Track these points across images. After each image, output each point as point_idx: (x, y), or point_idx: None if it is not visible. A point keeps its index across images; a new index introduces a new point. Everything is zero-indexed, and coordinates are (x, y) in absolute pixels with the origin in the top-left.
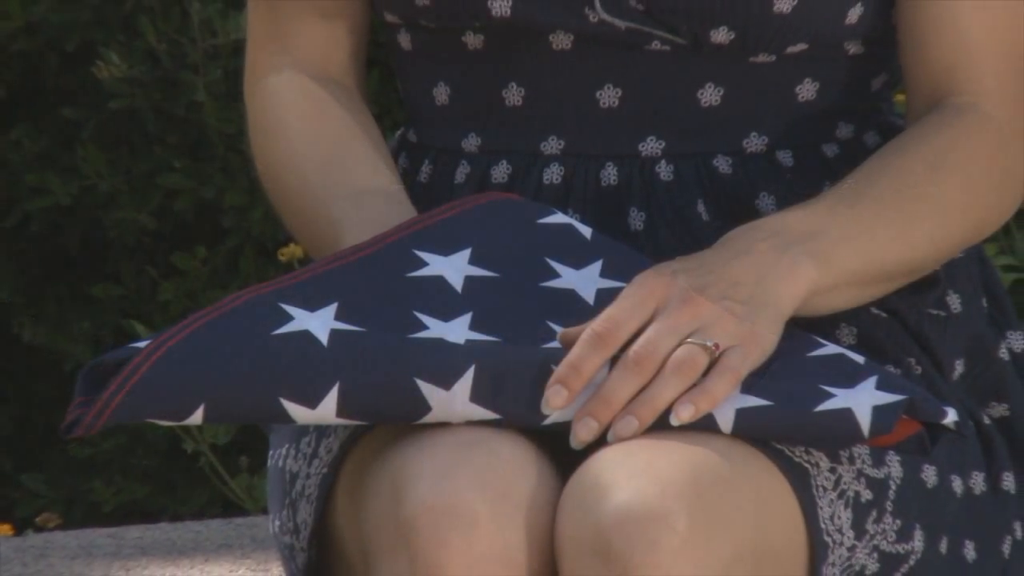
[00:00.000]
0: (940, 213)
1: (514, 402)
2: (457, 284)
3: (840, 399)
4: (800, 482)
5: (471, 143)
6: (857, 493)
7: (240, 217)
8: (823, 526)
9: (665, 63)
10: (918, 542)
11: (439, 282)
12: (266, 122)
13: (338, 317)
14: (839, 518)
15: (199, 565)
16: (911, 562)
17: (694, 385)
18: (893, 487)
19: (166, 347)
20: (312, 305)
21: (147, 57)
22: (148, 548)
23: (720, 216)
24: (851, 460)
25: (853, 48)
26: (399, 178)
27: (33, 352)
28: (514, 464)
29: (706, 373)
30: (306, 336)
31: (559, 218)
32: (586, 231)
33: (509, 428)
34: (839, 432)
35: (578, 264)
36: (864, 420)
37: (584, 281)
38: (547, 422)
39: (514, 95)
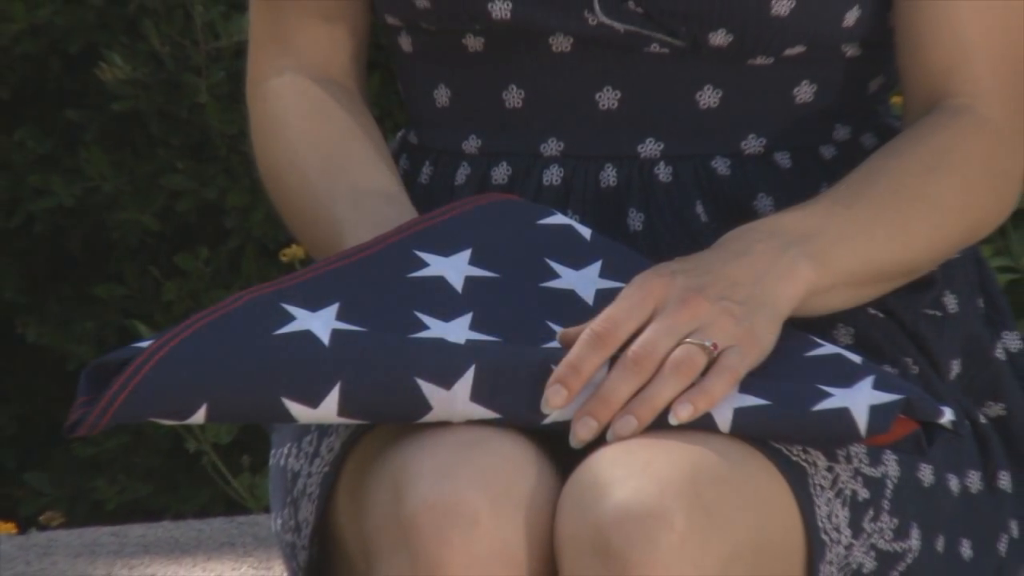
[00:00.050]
0: (937, 214)
1: (514, 401)
2: (457, 284)
3: (837, 399)
4: (798, 481)
5: (471, 145)
6: (854, 492)
7: (242, 218)
8: (820, 525)
9: (664, 65)
10: (915, 540)
11: (440, 282)
12: (268, 124)
13: (339, 317)
14: (836, 517)
15: (201, 563)
16: (908, 560)
17: (693, 385)
18: (890, 486)
19: (169, 347)
20: (313, 305)
21: (150, 59)
22: (151, 546)
23: (718, 217)
24: (848, 459)
25: (850, 50)
26: (400, 179)
27: (36, 352)
28: (514, 463)
29: (704, 373)
30: (308, 336)
31: (559, 219)
32: (585, 232)
33: (509, 427)
34: (836, 431)
35: (577, 265)
36: (861, 419)
37: (583, 281)
38: (547, 421)
39: (514, 97)
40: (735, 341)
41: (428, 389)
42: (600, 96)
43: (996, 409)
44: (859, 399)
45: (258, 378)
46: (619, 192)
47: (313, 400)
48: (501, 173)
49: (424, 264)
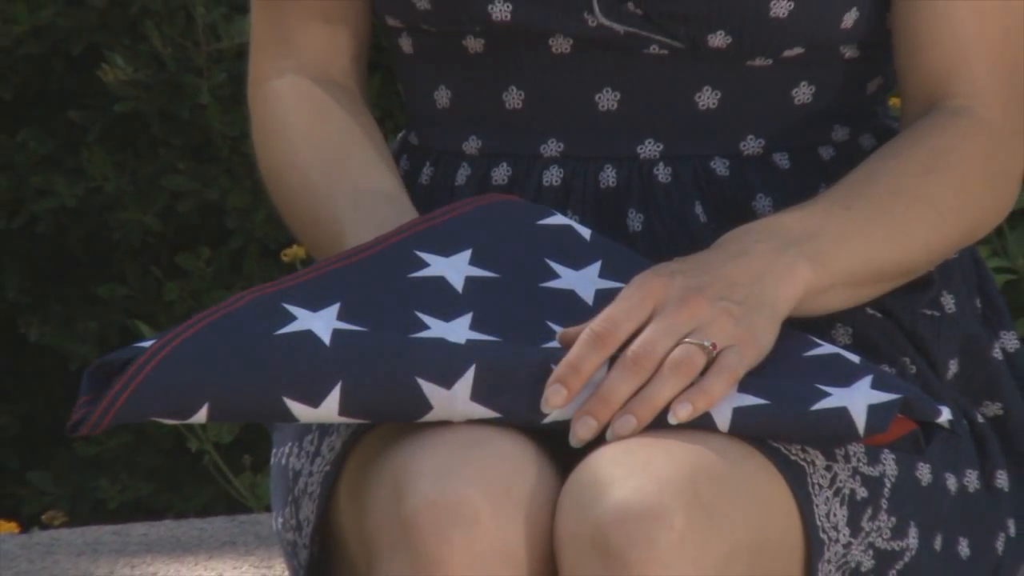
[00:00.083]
0: (935, 215)
1: (514, 401)
2: (458, 284)
3: (836, 398)
4: (796, 480)
5: (472, 146)
6: (853, 491)
7: (244, 218)
8: (819, 523)
9: (663, 67)
10: (913, 539)
11: (440, 282)
12: (269, 125)
13: (340, 317)
14: (835, 515)
15: (203, 562)
16: (906, 559)
17: (692, 384)
18: (888, 485)
19: (171, 347)
20: (315, 305)
21: (152, 61)
22: (153, 545)
23: (717, 217)
24: (847, 458)
25: (849, 52)
26: (400, 180)
27: (39, 351)
28: (514, 462)
29: (704, 372)
30: (309, 336)
31: (558, 219)
32: (585, 232)
33: (509, 427)
34: (835, 431)
35: (577, 265)
36: (859, 419)
37: (583, 281)
38: (547, 421)
39: (514, 98)
40: (734, 341)
41: (429, 389)
42: (600, 97)
43: (993, 408)
44: (857, 398)
45: (259, 378)
46: (618, 193)
47: (314, 400)
48: (501, 174)
49: (425, 264)
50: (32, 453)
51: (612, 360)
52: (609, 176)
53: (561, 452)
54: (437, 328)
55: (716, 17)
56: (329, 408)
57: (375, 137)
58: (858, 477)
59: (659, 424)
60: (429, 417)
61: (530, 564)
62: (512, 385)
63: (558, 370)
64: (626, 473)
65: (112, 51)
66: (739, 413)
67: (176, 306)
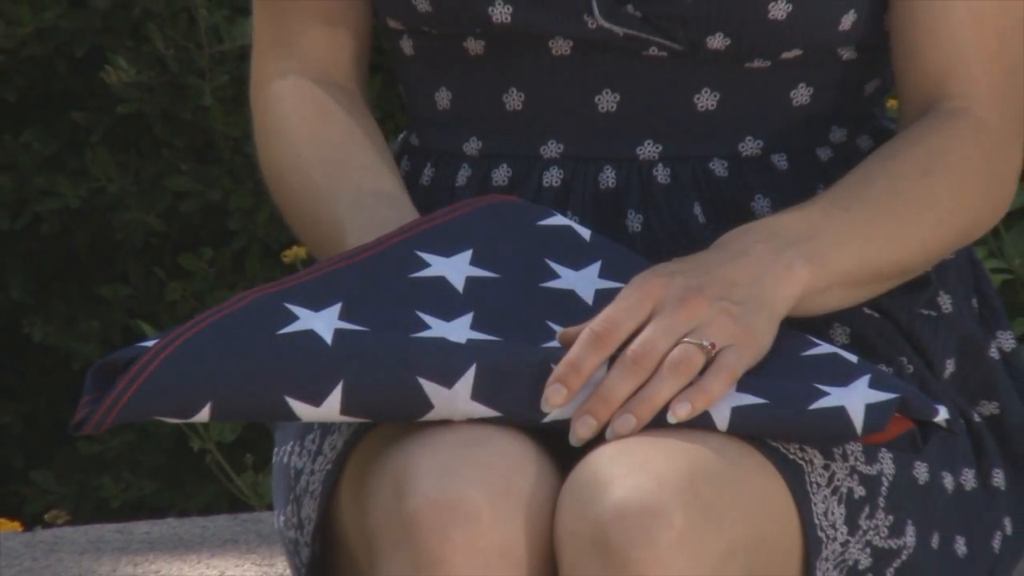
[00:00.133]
0: (932, 216)
1: (514, 400)
2: (458, 285)
3: (834, 397)
4: (794, 479)
5: (472, 147)
6: (850, 489)
7: (246, 219)
8: (817, 522)
9: (662, 68)
10: (910, 537)
11: (441, 283)
12: (271, 126)
13: (342, 317)
14: (832, 514)
15: (205, 560)
16: (903, 557)
17: (691, 384)
18: (885, 483)
19: (173, 346)
20: (316, 305)
21: (155, 62)
22: (155, 543)
23: (716, 218)
24: (844, 457)
25: (847, 54)
26: (401, 181)
27: (43, 351)
28: (515, 461)
29: (703, 372)
30: (311, 335)
31: (558, 220)
32: (585, 233)
33: (510, 426)
34: (833, 430)
35: (577, 265)
36: (857, 418)
37: (583, 282)
38: (547, 420)
39: (514, 100)
40: (733, 341)
41: (430, 388)
42: (599, 99)
43: (990, 408)
44: (855, 398)
45: (262, 377)
46: (618, 193)
47: (316, 399)
48: (501, 175)
49: (426, 264)
50: (35, 452)
51: (612, 360)
52: (609, 177)
53: (561, 451)
54: (438, 328)
55: (715, 19)
56: (331, 407)
57: (376, 138)
58: (856, 476)
59: (658, 423)
60: (430, 416)
61: (530, 562)
62: (512, 384)
63: (558, 369)
64: (625, 472)
65: (115, 53)
66: (738, 412)
67: (179, 306)
